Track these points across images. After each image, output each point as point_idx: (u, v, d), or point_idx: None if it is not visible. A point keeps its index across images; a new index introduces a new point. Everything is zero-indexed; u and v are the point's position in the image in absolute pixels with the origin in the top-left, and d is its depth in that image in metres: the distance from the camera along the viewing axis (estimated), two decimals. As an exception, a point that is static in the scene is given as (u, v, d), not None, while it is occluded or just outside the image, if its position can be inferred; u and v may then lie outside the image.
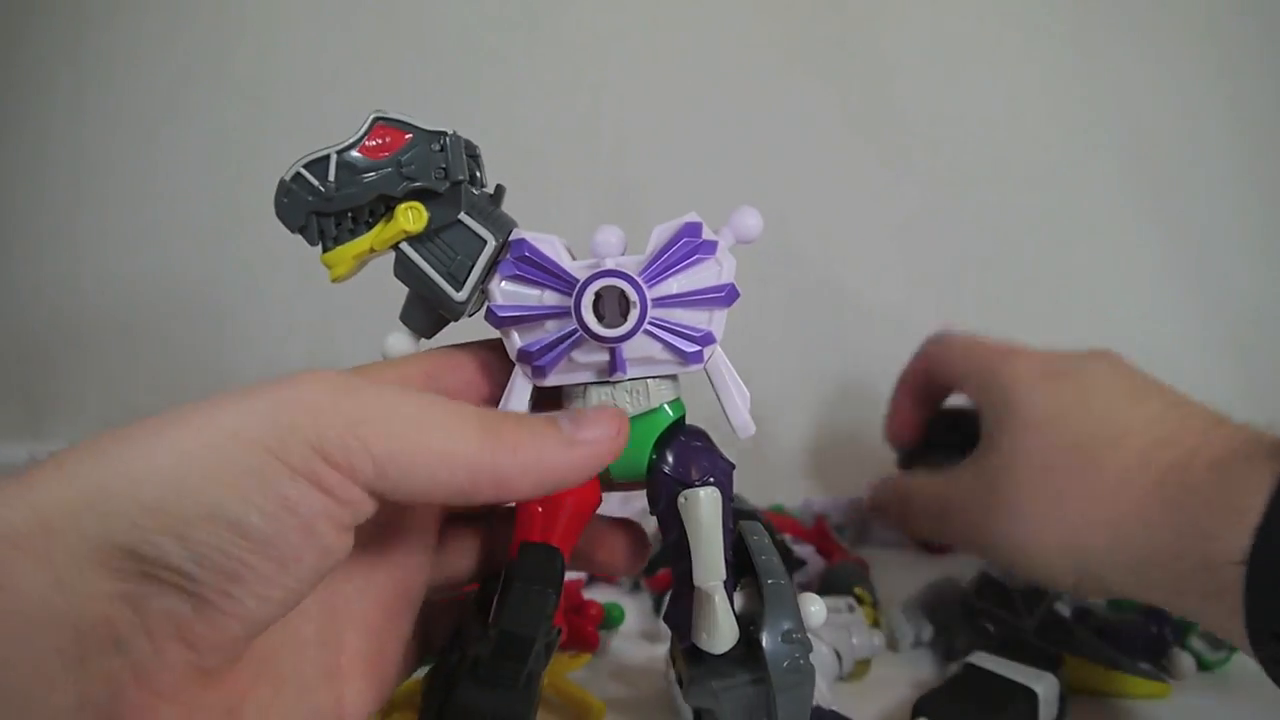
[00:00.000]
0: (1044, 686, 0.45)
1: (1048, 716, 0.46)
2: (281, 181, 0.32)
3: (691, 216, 0.33)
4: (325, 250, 0.33)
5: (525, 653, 0.31)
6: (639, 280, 0.31)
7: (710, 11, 0.90)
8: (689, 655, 0.34)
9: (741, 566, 0.35)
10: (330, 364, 0.30)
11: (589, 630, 0.56)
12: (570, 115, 0.90)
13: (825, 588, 0.64)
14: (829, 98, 0.89)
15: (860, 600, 0.59)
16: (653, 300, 0.32)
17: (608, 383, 0.34)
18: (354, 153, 0.32)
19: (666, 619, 0.35)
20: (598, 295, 0.31)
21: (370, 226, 0.33)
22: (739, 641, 0.33)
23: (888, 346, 0.68)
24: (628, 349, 0.32)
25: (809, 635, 0.33)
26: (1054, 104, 0.90)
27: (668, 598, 0.35)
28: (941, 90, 0.89)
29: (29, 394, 0.93)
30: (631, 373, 0.33)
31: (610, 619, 0.60)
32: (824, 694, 0.48)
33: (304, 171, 0.32)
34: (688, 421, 0.36)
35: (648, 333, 0.32)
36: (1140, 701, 0.52)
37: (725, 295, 0.33)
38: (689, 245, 0.32)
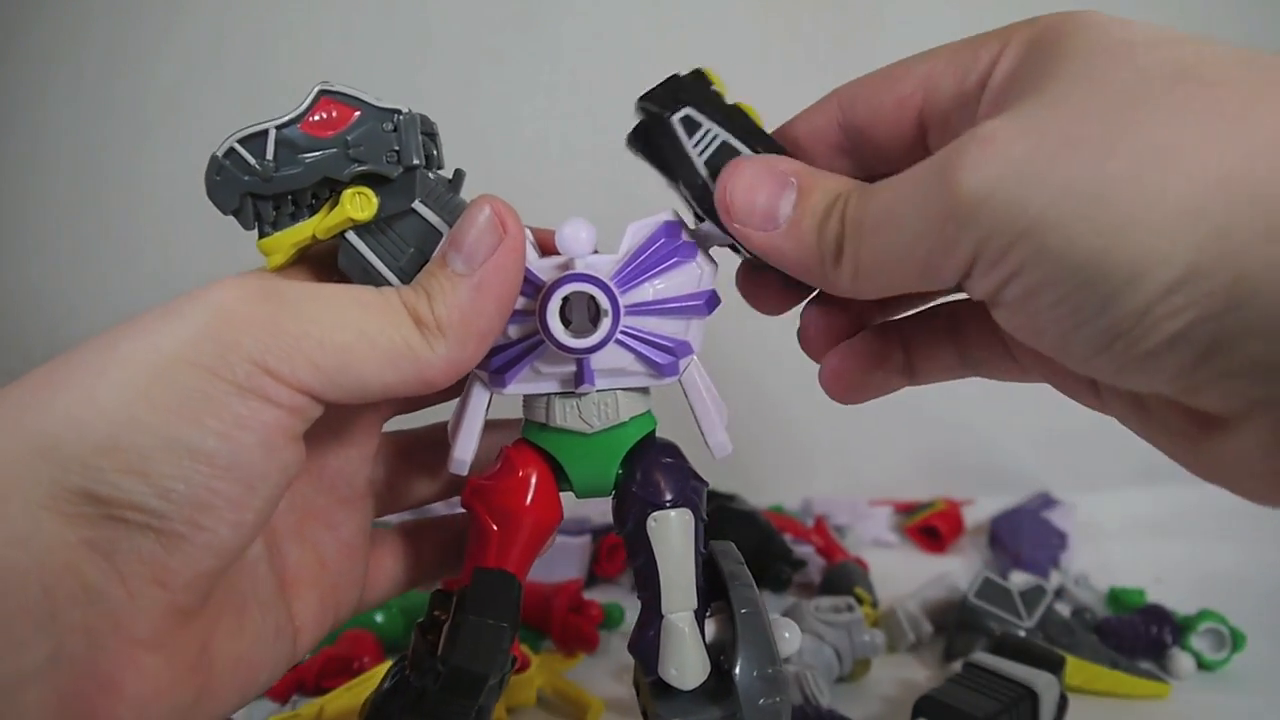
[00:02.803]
0: (1044, 686, 0.45)
1: (1048, 716, 0.46)
2: (213, 158, 0.28)
3: (669, 214, 0.30)
4: (262, 236, 0.29)
5: (477, 690, 0.29)
6: (611, 286, 0.29)
7: (710, 11, 0.90)
8: (656, 689, 0.31)
9: (712, 590, 0.32)
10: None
11: (589, 630, 0.56)
12: (570, 115, 0.90)
13: (825, 588, 0.64)
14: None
15: (860, 600, 0.59)
16: (626, 307, 0.29)
17: (573, 394, 0.31)
18: (296, 129, 0.28)
19: (632, 649, 0.31)
20: (565, 300, 0.29)
21: (314, 211, 0.29)
22: (717, 670, 0.30)
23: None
24: (597, 359, 0.29)
25: (782, 669, 0.30)
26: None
27: (634, 626, 0.32)
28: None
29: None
30: (600, 384, 0.30)
31: (610, 619, 0.60)
32: (824, 694, 0.48)
33: (238, 147, 0.28)
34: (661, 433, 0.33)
35: (619, 342, 0.29)
36: (1140, 701, 0.52)
37: (705, 303, 0.30)
38: (667, 247, 0.30)
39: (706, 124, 0.30)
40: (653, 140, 0.30)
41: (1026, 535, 0.73)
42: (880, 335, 0.33)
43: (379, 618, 0.56)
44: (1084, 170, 0.22)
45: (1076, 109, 0.23)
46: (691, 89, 0.30)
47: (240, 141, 0.28)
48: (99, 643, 0.23)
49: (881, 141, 0.31)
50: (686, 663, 0.30)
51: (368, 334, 0.26)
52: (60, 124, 0.92)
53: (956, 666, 0.49)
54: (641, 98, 0.30)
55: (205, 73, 0.89)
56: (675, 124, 0.30)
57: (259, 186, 0.28)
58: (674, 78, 0.31)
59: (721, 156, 0.30)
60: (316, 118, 0.28)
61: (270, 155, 0.28)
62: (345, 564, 0.33)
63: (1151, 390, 0.25)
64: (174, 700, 0.25)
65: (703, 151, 0.30)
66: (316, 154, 0.28)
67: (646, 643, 0.31)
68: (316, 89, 0.29)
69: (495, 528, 0.30)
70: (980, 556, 0.75)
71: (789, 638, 0.31)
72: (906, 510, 0.83)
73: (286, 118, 0.28)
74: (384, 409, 0.35)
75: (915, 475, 0.86)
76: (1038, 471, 0.83)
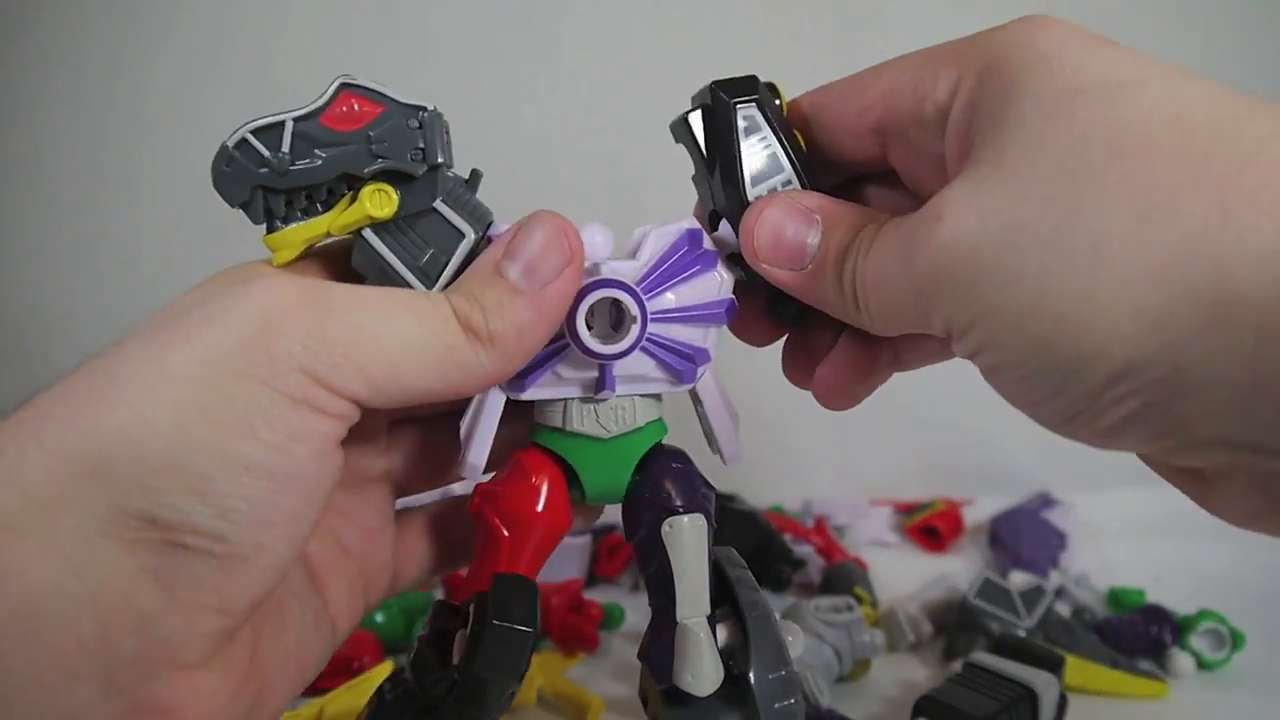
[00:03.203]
0: (1043, 686, 0.45)
1: (1047, 716, 0.46)
2: (223, 147, 0.27)
3: (690, 223, 0.31)
4: (271, 231, 0.28)
5: (499, 698, 0.28)
6: (640, 293, 0.29)
7: (710, 11, 0.90)
8: (668, 698, 0.30)
9: (717, 595, 0.31)
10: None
11: (589, 630, 0.56)
12: (570, 115, 0.90)
13: (825, 588, 0.64)
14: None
15: (860, 600, 0.59)
16: (650, 314, 0.29)
17: (592, 400, 0.31)
18: (315, 122, 0.27)
19: (642, 657, 0.31)
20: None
21: (326, 208, 0.28)
22: (732, 676, 0.30)
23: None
24: (619, 365, 0.29)
25: (794, 671, 0.31)
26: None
27: (644, 635, 0.31)
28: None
29: (29, 394, 0.93)
30: (620, 390, 0.30)
31: (610, 619, 0.60)
32: (824, 694, 0.49)
33: (251, 138, 0.27)
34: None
35: (642, 349, 0.29)
36: (1140, 701, 0.52)
37: (725, 311, 0.31)
38: (690, 255, 0.30)
39: (765, 130, 0.30)
40: (711, 125, 0.31)
41: (1026, 535, 0.73)
42: (866, 337, 0.33)
43: (379, 617, 0.56)
44: (1026, 262, 0.23)
45: (1019, 185, 0.24)
46: (764, 94, 0.31)
47: (254, 132, 0.27)
48: (153, 672, 0.22)
49: (844, 148, 0.31)
50: (703, 669, 0.29)
51: (416, 342, 0.26)
52: (60, 124, 0.92)
53: (956, 666, 0.49)
54: (716, 82, 0.31)
55: (205, 73, 0.89)
56: (740, 117, 0.30)
57: (272, 180, 0.27)
58: (753, 76, 0.31)
59: (768, 166, 0.30)
60: (339, 111, 0.27)
61: (286, 148, 0.27)
62: (368, 548, 0.33)
63: (1128, 450, 0.25)
64: (232, 713, 0.24)
65: (753, 155, 0.30)
66: (336, 149, 0.27)
67: (659, 650, 0.30)
68: (338, 82, 0.28)
69: (506, 533, 0.30)
70: (980, 556, 0.75)
71: (792, 640, 0.31)
72: (906, 510, 0.83)
73: (304, 110, 0.27)
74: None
75: (915, 475, 0.86)
76: (1038, 471, 0.83)
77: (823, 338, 0.34)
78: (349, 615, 0.32)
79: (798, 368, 0.34)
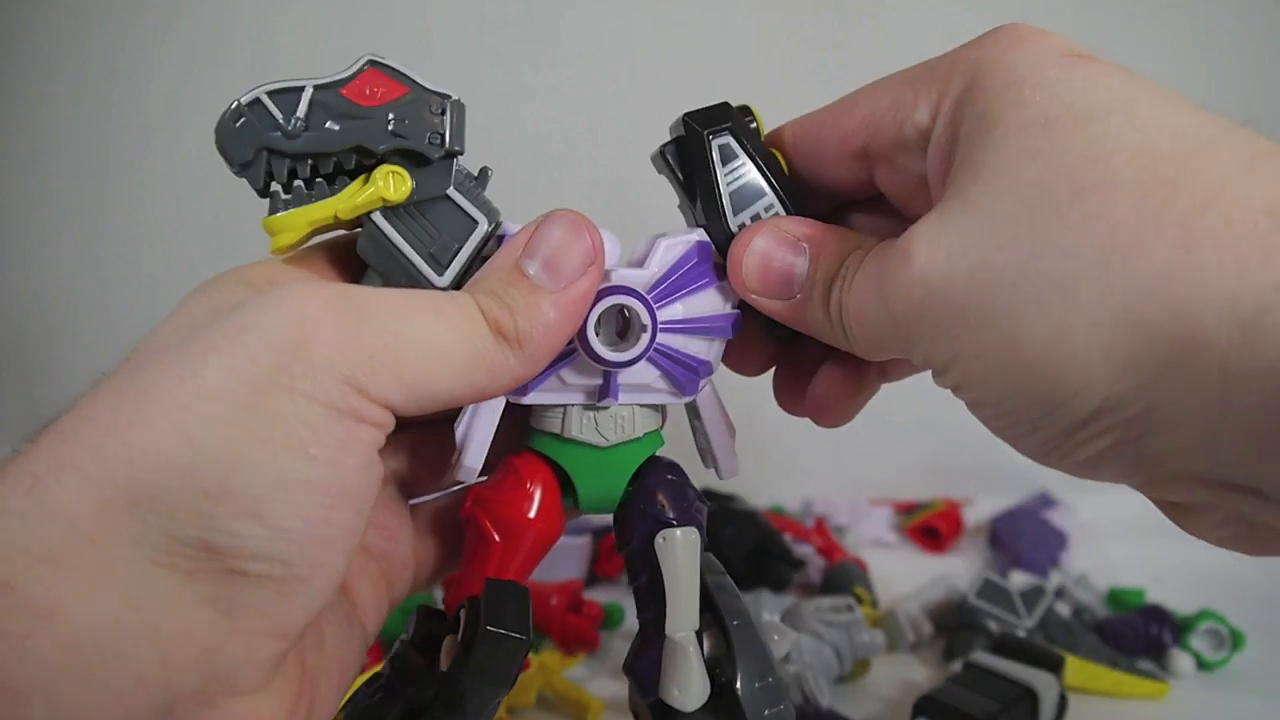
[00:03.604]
0: (1043, 686, 0.45)
1: (1047, 716, 0.46)
2: (235, 105, 0.26)
3: (701, 235, 0.30)
4: (274, 212, 0.27)
5: (493, 702, 0.28)
6: (651, 302, 0.29)
7: (710, 11, 0.90)
8: (657, 710, 0.30)
9: (706, 606, 0.31)
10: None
11: (589, 630, 0.56)
12: (570, 115, 0.90)
13: (825, 588, 0.64)
14: (829, 100, 0.89)
15: (860, 600, 0.59)
16: (660, 324, 0.29)
17: (593, 407, 0.30)
18: (336, 92, 0.26)
19: (629, 671, 0.31)
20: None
21: (328, 190, 0.27)
22: (720, 689, 0.30)
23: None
24: (624, 374, 0.29)
25: (781, 677, 0.30)
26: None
27: (630, 647, 0.31)
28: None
29: (29, 394, 0.93)
30: (623, 399, 0.30)
31: (610, 619, 0.60)
32: (824, 694, 0.48)
33: (265, 99, 0.26)
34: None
35: (649, 358, 0.29)
36: (1139, 701, 0.52)
37: (730, 325, 0.31)
38: (699, 268, 0.30)
39: (742, 157, 0.30)
40: (686, 157, 0.30)
41: (1026, 535, 0.73)
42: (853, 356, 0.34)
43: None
44: (997, 303, 0.23)
45: (987, 223, 0.24)
46: (737, 120, 0.31)
47: (270, 94, 0.26)
48: (212, 703, 0.22)
49: (830, 176, 0.31)
50: (690, 684, 0.29)
51: (448, 347, 0.25)
52: (60, 124, 0.92)
53: (956, 666, 0.49)
54: (688, 114, 0.30)
55: (205, 73, 0.89)
56: (714, 146, 0.30)
57: (281, 143, 0.26)
58: (724, 104, 0.31)
59: (747, 191, 0.30)
60: (361, 87, 0.27)
61: (301, 113, 0.26)
62: (387, 546, 0.33)
63: (1109, 480, 0.25)
64: None
65: (731, 182, 0.30)
66: (354, 121, 0.27)
67: (647, 663, 0.30)
68: (365, 58, 0.27)
69: (498, 539, 0.30)
70: (980, 556, 0.75)
71: (778, 640, 0.31)
72: (906, 510, 0.83)
73: (327, 80, 0.27)
74: None
75: (915, 475, 0.86)
76: (1037, 472, 0.81)
77: (813, 366, 0.34)
78: (376, 617, 0.31)
79: (789, 395, 0.35)
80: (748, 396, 0.35)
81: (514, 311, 0.26)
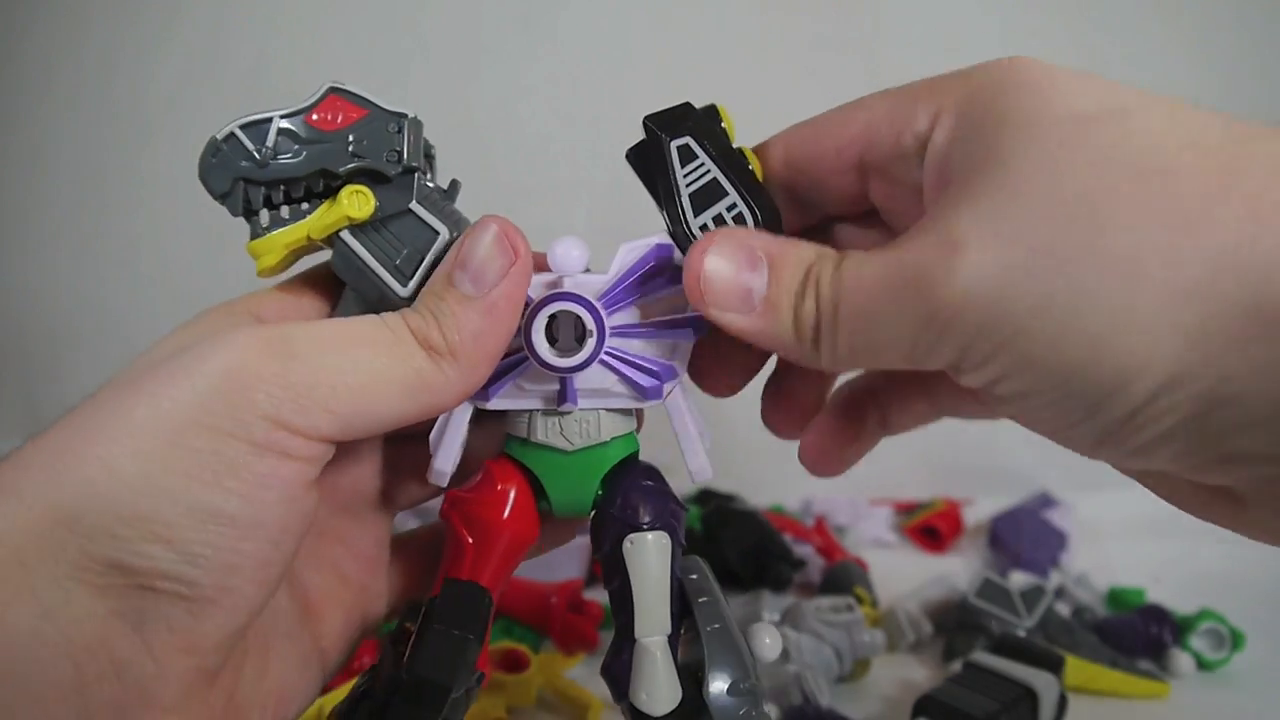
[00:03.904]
0: (1043, 686, 0.45)
1: (1047, 716, 0.46)
2: (212, 140, 0.28)
3: (661, 237, 0.30)
4: (255, 236, 0.29)
5: (439, 702, 0.28)
6: (598, 306, 0.29)
7: (710, 11, 0.90)
8: (631, 713, 0.31)
9: (685, 612, 0.31)
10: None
11: (589, 630, 0.56)
12: (570, 115, 0.90)
13: (825, 588, 0.64)
14: (828, 100, 0.89)
15: (860, 600, 0.59)
16: (611, 329, 0.29)
17: (556, 412, 0.31)
18: (300, 120, 0.29)
19: (604, 673, 0.31)
20: (551, 318, 0.29)
21: (303, 213, 0.29)
22: (689, 694, 0.30)
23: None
24: (580, 379, 0.30)
25: (757, 681, 0.30)
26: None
27: (608, 649, 0.31)
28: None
29: (29, 394, 0.94)
30: (583, 404, 0.30)
31: (610, 619, 0.60)
32: (824, 694, 0.49)
33: (239, 133, 0.28)
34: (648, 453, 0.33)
35: (603, 363, 0.29)
36: (1140, 701, 0.52)
37: (693, 328, 0.30)
38: (657, 270, 0.30)
39: (702, 157, 0.30)
40: (647, 160, 0.31)
41: (1026, 535, 0.73)
42: (852, 402, 0.34)
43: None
44: (1059, 282, 0.23)
45: (1041, 209, 0.23)
46: (698, 121, 0.30)
47: (242, 127, 0.28)
48: (127, 716, 0.23)
49: (824, 187, 0.31)
50: (657, 689, 0.30)
51: (381, 372, 0.26)
52: (60, 125, 0.92)
53: (956, 666, 0.49)
54: (648, 116, 0.31)
55: (205, 73, 0.89)
56: (672, 149, 0.30)
57: (254, 172, 0.28)
58: (686, 105, 0.31)
59: (708, 193, 0.30)
60: (324, 115, 0.29)
61: (270, 143, 0.28)
62: (367, 578, 0.33)
63: (1156, 470, 0.25)
64: None
65: (691, 183, 0.30)
66: (318, 147, 0.29)
67: (619, 667, 0.30)
68: (326, 86, 0.29)
69: (471, 540, 0.30)
70: (980, 556, 0.75)
71: (770, 644, 0.31)
72: (906, 510, 0.83)
73: (292, 110, 0.29)
74: None
75: (915, 475, 0.86)
76: (1037, 471, 0.83)
77: (801, 387, 0.34)
78: (341, 647, 0.32)
79: (777, 416, 0.35)
80: (748, 395, 0.35)
81: (441, 325, 0.27)
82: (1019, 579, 0.64)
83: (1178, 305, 0.21)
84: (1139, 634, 0.56)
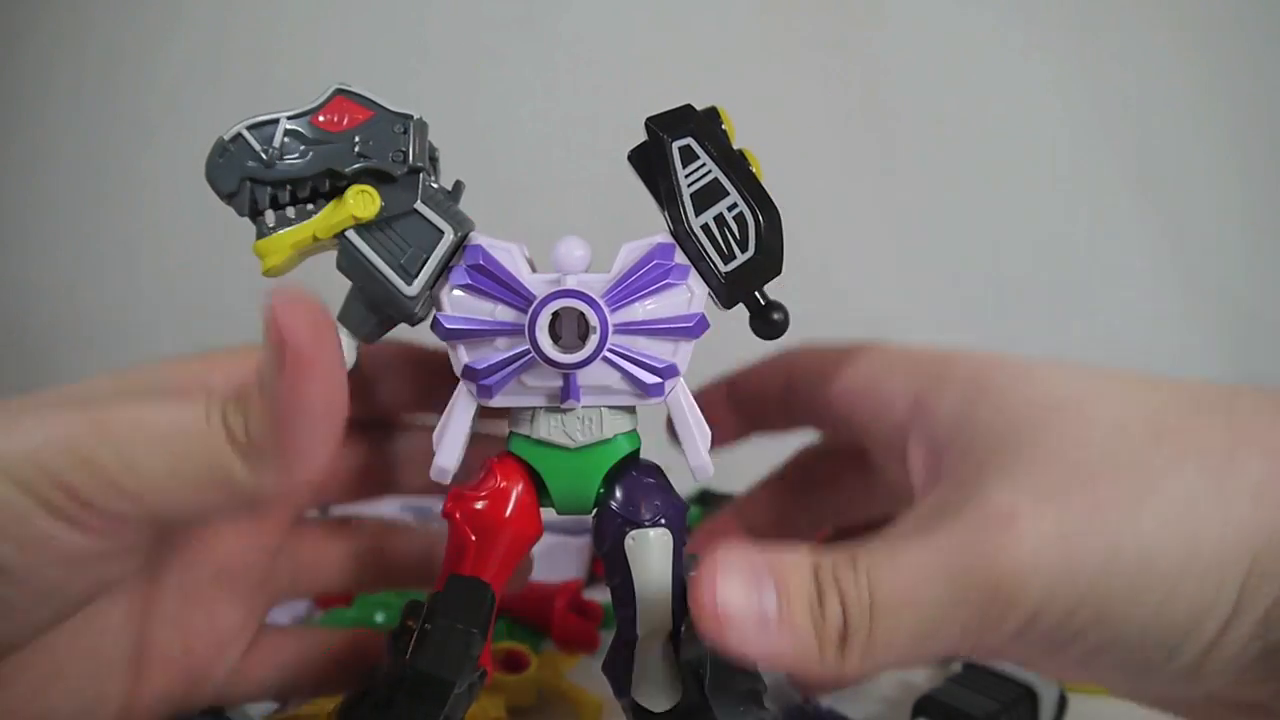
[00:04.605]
0: (1044, 686, 0.45)
1: (1048, 716, 0.46)
2: (219, 140, 0.29)
3: (663, 236, 0.31)
4: (261, 236, 0.30)
5: (442, 696, 0.28)
6: (601, 303, 0.29)
7: (710, 12, 0.90)
8: (632, 709, 0.31)
9: (688, 608, 0.30)
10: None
11: (589, 630, 0.56)
12: (570, 116, 0.90)
13: (825, 588, 0.64)
14: (828, 100, 0.89)
15: (860, 600, 0.59)
16: (614, 326, 0.29)
17: (558, 409, 0.31)
18: (306, 121, 0.29)
19: (606, 670, 0.31)
20: (555, 315, 0.29)
21: (309, 213, 0.30)
22: (690, 691, 0.30)
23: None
24: (583, 376, 0.30)
25: (759, 680, 0.30)
26: (1053, 106, 0.90)
27: (609, 646, 0.32)
28: (940, 94, 0.89)
29: (28, 393, 0.93)
30: (585, 401, 0.31)
31: (610, 619, 0.60)
32: (824, 693, 0.48)
33: (246, 133, 0.29)
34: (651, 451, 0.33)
35: (606, 360, 0.30)
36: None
37: (694, 326, 0.31)
38: (659, 269, 0.30)
39: (704, 158, 0.30)
40: (649, 161, 0.31)
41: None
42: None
43: (379, 618, 0.56)
44: (1120, 535, 0.24)
45: (1083, 471, 0.25)
46: (700, 122, 0.31)
47: (249, 128, 0.29)
48: None
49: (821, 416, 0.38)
50: (657, 687, 0.30)
51: (187, 469, 0.26)
52: (60, 125, 0.92)
53: (956, 666, 0.49)
54: (650, 118, 0.31)
55: (205, 73, 0.89)
56: (673, 149, 0.30)
57: (260, 172, 0.29)
58: (687, 107, 0.31)
59: (710, 192, 0.30)
60: (330, 115, 0.29)
61: (277, 143, 0.29)
62: (211, 657, 0.34)
63: (1222, 699, 0.27)
64: None
65: (693, 183, 0.30)
66: (325, 147, 0.29)
67: (619, 664, 0.31)
68: (334, 88, 0.30)
69: (473, 537, 0.31)
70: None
71: None
72: (906, 510, 0.82)
73: (299, 110, 0.29)
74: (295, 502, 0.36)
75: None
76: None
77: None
78: (148, 713, 0.33)
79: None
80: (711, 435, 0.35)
81: (248, 415, 0.26)
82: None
83: (1236, 539, 0.24)
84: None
